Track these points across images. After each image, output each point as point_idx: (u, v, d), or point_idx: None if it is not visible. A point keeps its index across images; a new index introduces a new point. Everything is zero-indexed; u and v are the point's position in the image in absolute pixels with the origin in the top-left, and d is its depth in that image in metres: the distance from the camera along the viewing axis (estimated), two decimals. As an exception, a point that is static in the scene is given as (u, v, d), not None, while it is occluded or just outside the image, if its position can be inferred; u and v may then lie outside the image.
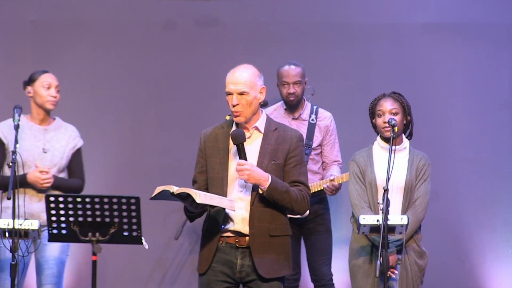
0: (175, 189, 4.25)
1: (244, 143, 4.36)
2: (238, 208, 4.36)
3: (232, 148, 4.41)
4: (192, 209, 4.32)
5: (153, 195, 4.32)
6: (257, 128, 4.45)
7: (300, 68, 6.02)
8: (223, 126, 4.48)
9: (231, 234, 4.38)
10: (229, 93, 4.39)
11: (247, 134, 4.42)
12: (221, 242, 4.39)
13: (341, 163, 6.09)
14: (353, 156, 5.30)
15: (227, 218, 4.38)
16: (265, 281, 4.36)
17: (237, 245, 4.37)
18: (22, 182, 5.26)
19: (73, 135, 5.57)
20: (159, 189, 4.30)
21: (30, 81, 5.49)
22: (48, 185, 5.33)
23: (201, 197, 4.23)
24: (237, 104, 4.37)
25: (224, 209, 4.35)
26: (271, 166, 4.38)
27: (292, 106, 6.08)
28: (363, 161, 5.22)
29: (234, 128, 4.45)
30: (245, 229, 4.37)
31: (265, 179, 4.30)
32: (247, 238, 4.36)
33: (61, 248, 5.39)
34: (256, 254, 4.34)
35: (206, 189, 4.43)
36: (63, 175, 5.50)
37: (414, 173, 5.17)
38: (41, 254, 5.38)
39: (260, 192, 4.32)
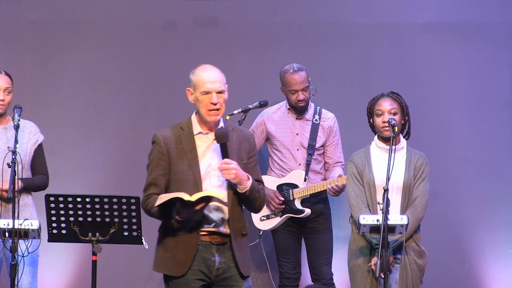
0: (191, 197, 4.22)
1: (212, 143, 4.41)
2: (214, 208, 4.37)
3: (199, 148, 4.41)
4: (191, 216, 4.30)
5: (159, 203, 4.26)
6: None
7: (305, 72, 5.99)
8: (182, 127, 4.47)
9: (206, 233, 4.39)
10: (207, 92, 4.39)
11: (212, 135, 4.43)
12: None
13: (344, 164, 6.09)
14: (351, 157, 5.31)
15: (204, 218, 4.38)
16: (244, 278, 4.42)
17: (212, 242, 4.38)
18: None
19: (33, 131, 5.49)
20: (165, 197, 4.25)
21: None
22: (6, 195, 5.24)
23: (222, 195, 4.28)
24: (217, 103, 4.38)
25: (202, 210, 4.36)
26: (240, 165, 4.40)
27: (302, 111, 6.07)
28: (361, 162, 5.23)
29: (197, 128, 4.45)
30: (223, 229, 4.39)
31: (246, 178, 4.35)
32: (222, 235, 4.39)
33: (31, 248, 5.32)
34: (237, 252, 4.38)
35: (165, 192, 4.41)
36: (28, 172, 5.45)
37: (412, 172, 5.17)
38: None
39: (241, 191, 4.35)
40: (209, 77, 4.42)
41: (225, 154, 4.35)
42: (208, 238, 4.38)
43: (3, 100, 5.37)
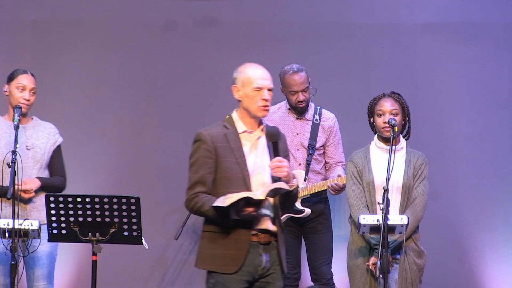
0: (259, 195, 4.25)
1: (257, 141, 4.46)
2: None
3: (245, 146, 4.44)
4: (252, 215, 4.32)
5: (229, 203, 4.24)
6: (262, 126, 4.54)
7: (305, 72, 5.98)
8: (226, 125, 4.48)
9: (255, 232, 4.40)
10: (260, 88, 4.43)
11: (257, 133, 4.47)
12: None
13: (344, 163, 6.09)
14: (350, 157, 5.31)
15: (255, 217, 4.40)
16: (283, 273, 4.49)
17: (260, 241, 4.40)
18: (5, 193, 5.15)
19: (52, 132, 5.50)
20: (234, 197, 4.24)
21: (8, 79, 5.45)
22: (31, 195, 5.28)
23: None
24: (268, 99, 4.45)
25: None
26: None
27: (302, 111, 6.07)
28: (360, 162, 5.23)
29: (242, 127, 4.47)
30: (270, 227, 4.43)
31: (293, 176, 4.42)
32: (267, 234, 4.41)
33: (51, 247, 5.35)
34: (281, 249, 4.45)
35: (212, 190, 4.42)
36: (46, 172, 5.44)
37: (412, 172, 5.17)
38: (31, 255, 5.30)
39: (290, 188, 4.38)
40: (261, 74, 4.47)
41: (276, 152, 4.39)
42: (256, 238, 4.39)
43: (28, 100, 5.38)
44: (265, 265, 4.40)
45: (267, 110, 4.45)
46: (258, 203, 4.27)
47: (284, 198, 4.45)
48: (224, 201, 4.24)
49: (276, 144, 4.40)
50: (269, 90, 4.45)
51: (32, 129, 5.42)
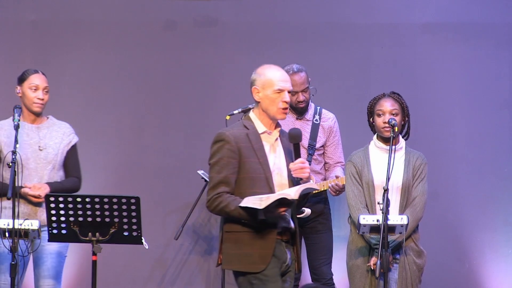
0: (293, 195, 4.27)
1: (275, 142, 4.50)
2: None
3: (265, 147, 4.47)
4: (281, 215, 4.35)
5: (265, 205, 4.26)
6: (279, 127, 4.58)
7: (305, 73, 5.98)
8: (246, 125, 4.50)
9: (278, 230, 4.43)
10: (281, 90, 4.46)
11: (275, 133, 4.51)
12: None
13: (344, 164, 6.09)
14: (349, 157, 5.31)
15: (281, 217, 4.44)
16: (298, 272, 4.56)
17: (283, 239, 4.44)
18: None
19: (67, 132, 5.47)
20: (271, 198, 4.26)
21: (20, 80, 5.44)
22: (40, 201, 5.25)
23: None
24: (289, 101, 4.49)
25: None
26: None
27: (302, 111, 6.07)
28: (360, 162, 5.23)
29: (261, 127, 4.49)
30: (293, 225, 4.50)
31: (310, 177, 4.47)
32: (287, 232, 4.46)
33: (60, 247, 5.35)
34: (299, 248, 4.52)
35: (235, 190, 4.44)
36: (60, 173, 5.43)
37: (411, 172, 5.18)
38: (38, 254, 5.32)
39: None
40: (281, 76, 4.50)
41: (297, 153, 4.44)
42: (279, 236, 4.43)
43: (42, 99, 5.37)
44: (288, 262, 4.46)
45: (286, 113, 4.49)
46: (290, 203, 4.31)
47: (302, 198, 4.46)
48: (259, 202, 4.25)
49: (298, 146, 4.44)
50: (289, 92, 4.48)
51: (46, 129, 5.41)
